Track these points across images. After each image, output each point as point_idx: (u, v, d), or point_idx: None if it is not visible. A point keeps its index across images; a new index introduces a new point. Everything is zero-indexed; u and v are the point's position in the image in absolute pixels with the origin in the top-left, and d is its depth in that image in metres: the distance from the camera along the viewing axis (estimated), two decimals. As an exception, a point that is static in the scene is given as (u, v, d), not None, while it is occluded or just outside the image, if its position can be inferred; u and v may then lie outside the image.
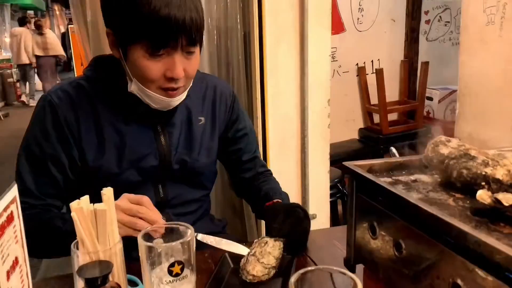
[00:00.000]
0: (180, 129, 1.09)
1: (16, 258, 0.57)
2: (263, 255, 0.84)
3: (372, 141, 3.49)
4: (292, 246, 0.92)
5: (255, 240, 0.90)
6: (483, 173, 0.62)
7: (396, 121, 3.70)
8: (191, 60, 0.96)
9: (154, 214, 0.88)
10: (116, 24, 0.94)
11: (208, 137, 1.13)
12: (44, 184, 0.99)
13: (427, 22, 3.72)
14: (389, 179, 0.73)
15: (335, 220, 2.50)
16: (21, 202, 0.94)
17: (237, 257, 0.90)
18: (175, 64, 0.92)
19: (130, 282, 0.82)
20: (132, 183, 1.03)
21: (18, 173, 0.99)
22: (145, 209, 0.87)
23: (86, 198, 0.65)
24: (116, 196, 1.01)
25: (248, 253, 0.86)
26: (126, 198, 0.88)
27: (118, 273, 0.67)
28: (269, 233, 0.94)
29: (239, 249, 0.92)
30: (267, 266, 0.83)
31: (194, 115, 1.11)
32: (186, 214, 1.12)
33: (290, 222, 0.94)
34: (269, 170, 1.28)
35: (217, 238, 0.95)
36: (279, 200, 1.10)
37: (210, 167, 1.15)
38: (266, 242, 0.87)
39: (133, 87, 0.98)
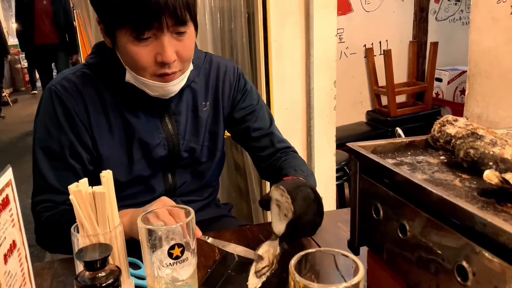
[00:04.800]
0: (186, 117, 1.05)
1: (14, 242, 0.57)
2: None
3: (380, 124, 3.45)
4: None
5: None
6: (491, 152, 0.60)
7: (405, 103, 3.66)
8: (184, 42, 0.89)
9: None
10: (99, 9, 0.90)
11: (212, 122, 1.10)
12: (66, 177, 0.94)
13: (437, 1, 3.63)
14: (394, 160, 0.71)
15: (342, 203, 2.49)
16: (46, 201, 0.96)
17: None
18: (164, 47, 0.86)
19: (133, 265, 0.82)
20: (143, 174, 1.02)
21: (38, 171, 0.95)
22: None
23: (84, 180, 0.65)
24: (128, 187, 1.01)
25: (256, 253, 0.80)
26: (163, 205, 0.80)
27: (119, 256, 0.67)
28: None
29: (248, 252, 0.81)
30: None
31: (199, 100, 1.07)
32: (195, 201, 1.11)
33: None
34: (291, 147, 1.18)
35: (226, 243, 0.84)
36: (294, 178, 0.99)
37: (216, 153, 1.12)
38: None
39: (128, 76, 0.94)
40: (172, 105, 1.03)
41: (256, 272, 0.77)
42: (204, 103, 1.08)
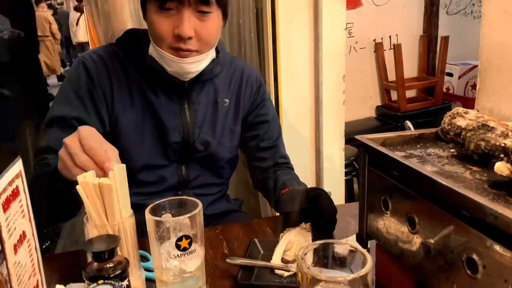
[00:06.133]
0: (205, 108, 1.07)
1: (24, 233, 0.57)
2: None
3: (389, 119, 3.43)
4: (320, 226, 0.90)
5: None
6: (502, 144, 0.59)
7: (415, 98, 3.63)
8: (206, 23, 0.93)
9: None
10: None
11: (231, 120, 1.12)
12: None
13: (448, -6, 3.59)
14: (403, 153, 0.71)
15: (350, 198, 2.48)
16: (41, 159, 0.92)
17: (266, 242, 0.88)
18: (183, 21, 0.90)
19: (141, 257, 0.82)
20: (156, 159, 1.03)
21: (45, 136, 0.95)
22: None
23: (91, 172, 0.65)
24: (140, 172, 1.01)
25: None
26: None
27: (128, 248, 0.67)
28: (290, 220, 0.91)
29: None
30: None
31: (220, 96, 1.09)
32: (207, 194, 1.12)
33: (314, 202, 0.92)
34: (289, 163, 1.20)
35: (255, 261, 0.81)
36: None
37: (232, 150, 1.13)
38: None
39: (151, 48, 0.98)
40: (193, 94, 1.05)
41: (282, 258, 0.79)
42: (225, 99, 1.10)
